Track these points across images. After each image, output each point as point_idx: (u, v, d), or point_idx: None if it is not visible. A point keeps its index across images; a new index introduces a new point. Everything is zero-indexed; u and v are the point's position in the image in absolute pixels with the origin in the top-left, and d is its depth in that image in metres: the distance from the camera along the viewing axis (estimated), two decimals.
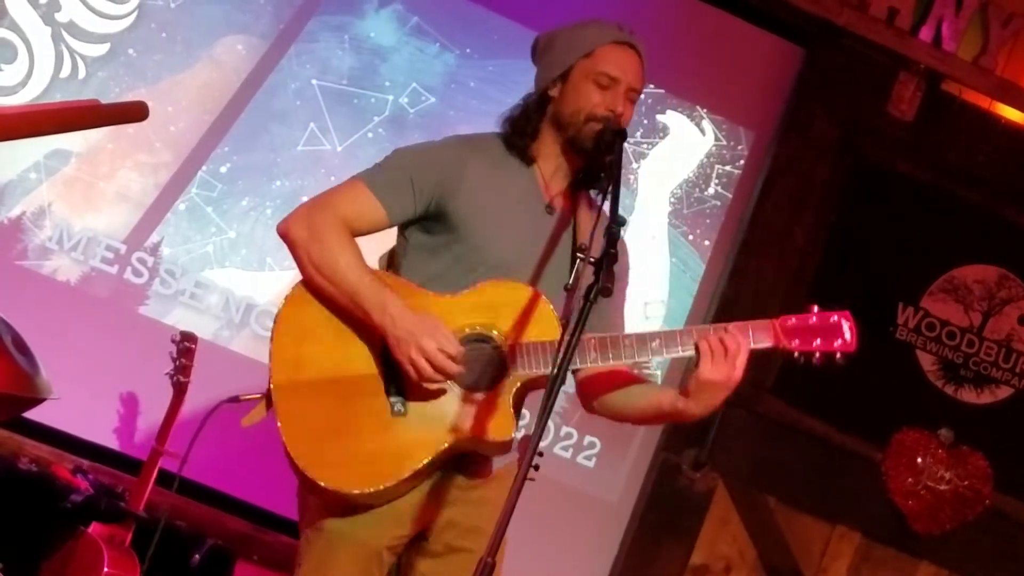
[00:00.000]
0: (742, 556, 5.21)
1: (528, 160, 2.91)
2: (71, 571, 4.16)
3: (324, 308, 2.80)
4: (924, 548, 5.24)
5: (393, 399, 2.71)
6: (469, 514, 2.83)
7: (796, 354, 2.67)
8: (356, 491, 2.69)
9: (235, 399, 4.22)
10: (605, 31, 2.89)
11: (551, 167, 2.91)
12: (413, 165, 2.85)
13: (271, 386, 2.77)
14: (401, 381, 2.71)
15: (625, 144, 2.82)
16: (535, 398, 2.69)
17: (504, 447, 2.73)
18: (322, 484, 2.69)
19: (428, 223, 2.87)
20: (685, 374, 2.73)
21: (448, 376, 2.67)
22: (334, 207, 2.82)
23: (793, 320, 2.68)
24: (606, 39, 2.88)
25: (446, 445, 2.68)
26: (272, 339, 2.80)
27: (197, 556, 4.38)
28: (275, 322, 2.82)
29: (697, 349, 2.66)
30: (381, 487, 2.68)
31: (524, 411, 3.05)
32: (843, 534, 5.25)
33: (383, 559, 2.82)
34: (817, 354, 2.66)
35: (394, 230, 2.93)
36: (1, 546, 4.20)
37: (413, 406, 2.71)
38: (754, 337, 2.68)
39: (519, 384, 2.71)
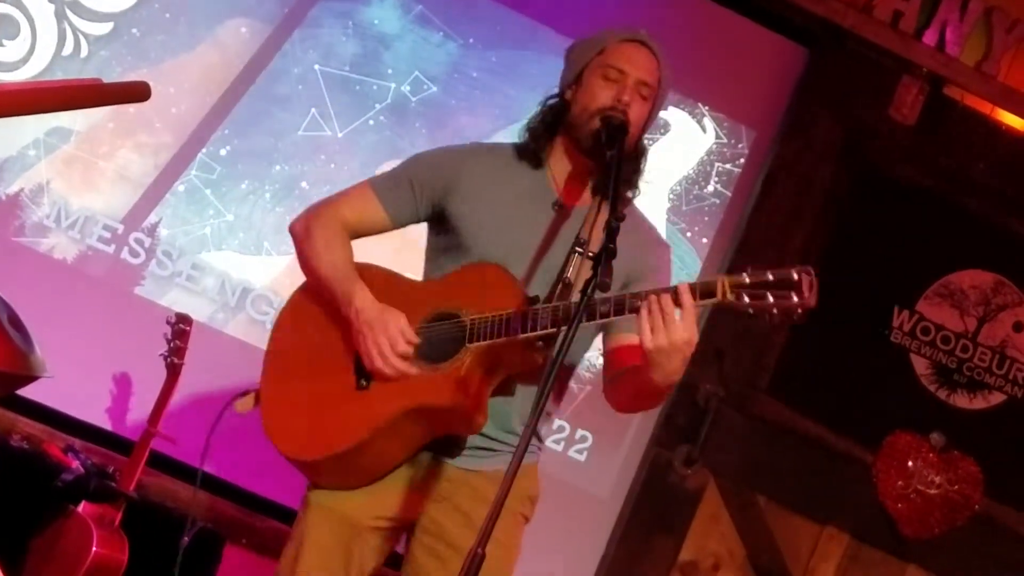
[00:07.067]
0: (731, 554, 5.21)
1: (539, 162, 2.92)
2: (60, 549, 4.15)
3: (316, 302, 2.95)
4: (912, 552, 5.24)
5: (360, 377, 2.81)
6: (458, 516, 2.84)
7: (751, 311, 2.43)
8: (310, 458, 2.81)
9: (246, 393, 4.07)
10: (618, 31, 2.91)
11: (563, 169, 2.91)
12: (417, 167, 2.96)
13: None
14: None
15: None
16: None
17: (461, 419, 2.73)
18: (283, 453, 2.85)
19: (437, 226, 2.96)
20: None
21: (397, 370, 2.74)
22: (335, 207, 2.96)
23: (746, 276, 2.45)
24: (618, 37, 2.90)
25: (399, 412, 2.72)
26: (270, 336, 3.01)
27: (186, 539, 4.38)
28: (275, 321, 3.03)
29: (639, 314, 2.50)
30: (334, 452, 2.77)
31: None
32: (832, 535, 5.25)
33: (364, 538, 2.87)
34: (774, 311, 2.42)
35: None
36: None
37: (376, 382, 2.79)
38: (701, 292, 2.47)
39: (475, 354, 2.71)
